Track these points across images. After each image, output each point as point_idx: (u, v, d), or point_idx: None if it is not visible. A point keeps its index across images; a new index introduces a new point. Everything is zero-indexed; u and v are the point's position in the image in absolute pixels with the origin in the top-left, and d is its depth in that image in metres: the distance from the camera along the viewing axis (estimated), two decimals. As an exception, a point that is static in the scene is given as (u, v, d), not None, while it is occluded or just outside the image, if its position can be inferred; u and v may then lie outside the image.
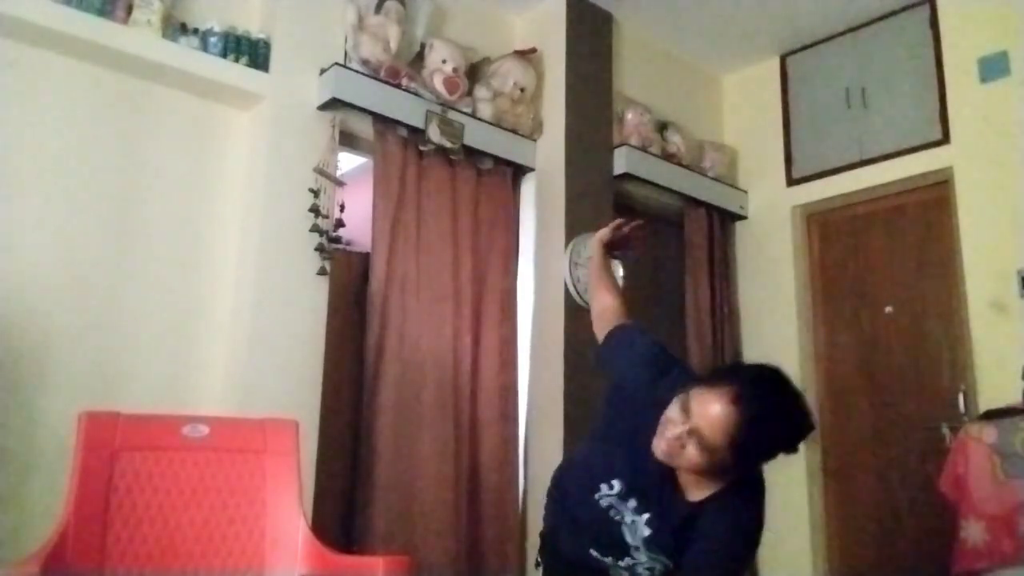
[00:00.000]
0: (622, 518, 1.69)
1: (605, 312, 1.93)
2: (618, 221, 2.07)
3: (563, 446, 3.30)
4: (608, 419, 1.78)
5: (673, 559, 1.64)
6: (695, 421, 1.47)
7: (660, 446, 1.54)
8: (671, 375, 1.65)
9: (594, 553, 1.77)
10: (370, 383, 3.03)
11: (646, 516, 1.65)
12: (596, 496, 1.71)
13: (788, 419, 1.51)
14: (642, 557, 1.70)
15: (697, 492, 1.59)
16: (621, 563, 1.74)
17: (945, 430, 3.40)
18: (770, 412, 1.47)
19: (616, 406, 1.76)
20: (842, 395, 3.93)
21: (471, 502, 3.22)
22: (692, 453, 1.49)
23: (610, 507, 1.70)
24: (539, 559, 1.96)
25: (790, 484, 3.86)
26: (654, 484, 1.63)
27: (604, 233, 2.05)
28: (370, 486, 2.95)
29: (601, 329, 1.89)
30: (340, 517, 2.99)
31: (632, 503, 1.67)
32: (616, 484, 1.68)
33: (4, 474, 2.43)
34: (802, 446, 1.58)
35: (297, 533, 2.27)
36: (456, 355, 3.26)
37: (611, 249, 2.07)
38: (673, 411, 1.52)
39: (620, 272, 3.68)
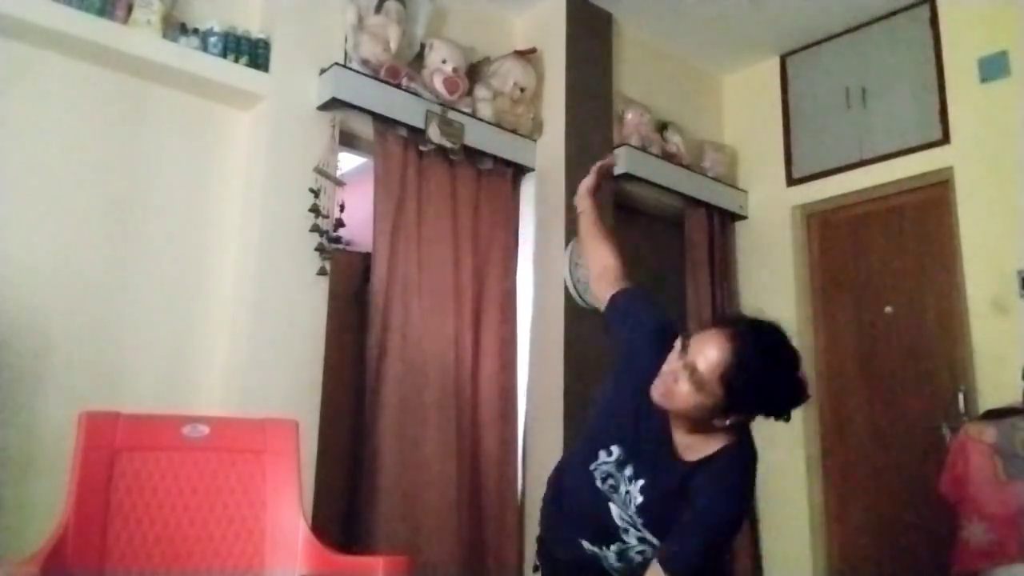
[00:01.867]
0: (617, 488, 1.70)
1: (607, 272, 1.90)
2: (598, 164, 2.09)
3: (563, 446, 3.30)
4: (614, 388, 1.78)
5: (663, 536, 1.65)
6: (691, 356, 1.52)
7: (656, 386, 1.58)
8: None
9: (586, 544, 1.78)
10: (371, 383, 3.03)
11: (640, 483, 1.66)
12: (593, 467, 1.72)
13: (782, 369, 1.55)
14: (632, 539, 1.71)
15: (691, 453, 1.62)
16: (612, 548, 1.74)
17: (945, 430, 3.40)
18: (765, 356, 1.52)
19: (622, 374, 1.76)
20: (842, 395, 3.93)
21: (471, 502, 3.21)
22: (684, 389, 1.52)
23: (606, 478, 1.71)
24: (537, 564, 1.96)
25: (790, 484, 3.86)
26: (651, 447, 1.65)
27: (590, 181, 2.06)
28: (370, 486, 2.95)
29: (603, 290, 1.87)
30: (340, 517, 2.99)
31: (629, 470, 1.68)
32: (615, 450, 1.69)
33: (4, 474, 2.43)
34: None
35: (297, 533, 2.27)
36: (457, 355, 3.26)
37: (594, 192, 2.07)
38: (673, 353, 1.57)
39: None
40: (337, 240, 3.08)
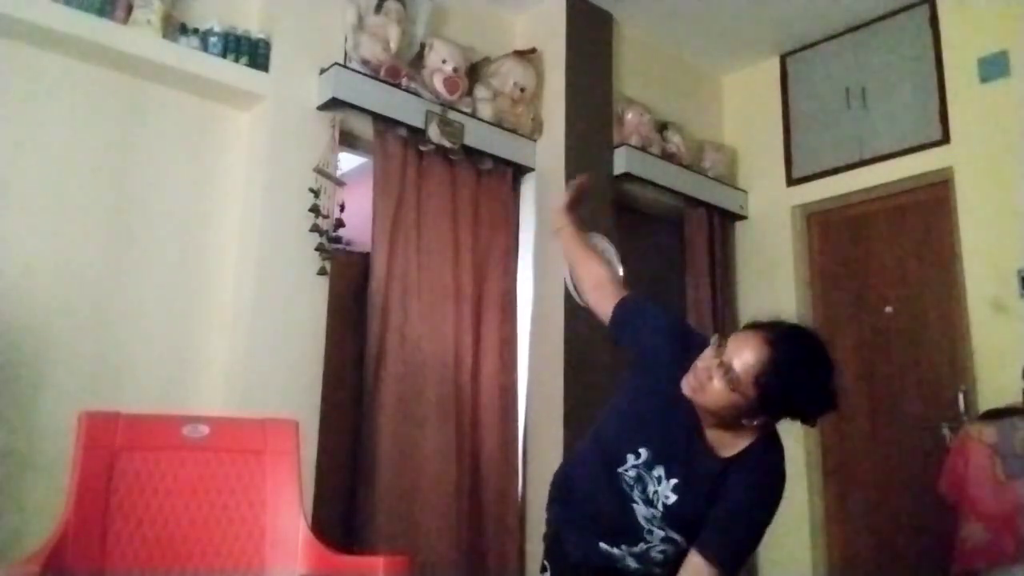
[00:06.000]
0: (644, 490, 1.69)
1: (603, 283, 1.90)
2: (574, 182, 2.07)
3: (563, 446, 3.30)
4: (634, 392, 1.78)
5: (690, 534, 1.65)
6: (727, 355, 1.53)
7: (688, 380, 1.59)
8: (696, 343, 1.67)
9: (603, 546, 1.77)
10: (371, 383, 3.03)
11: (673, 482, 1.67)
12: (621, 469, 1.71)
13: (815, 376, 1.56)
14: (655, 539, 1.71)
15: (724, 450, 1.63)
16: (634, 549, 1.74)
17: (945, 430, 3.40)
18: (800, 362, 1.54)
19: (641, 379, 1.76)
20: (842, 395, 3.91)
21: (471, 502, 3.22)
22: (718, 387, 1.53)
23: (634, 480, 1.70)
24: (545, 564, 1.94)
25: (790, 484, 3.85)
26: (682, 446, 1.66)
27: (566, 198, 2.04)
28: (370, 486, 2.95)
29: (602, 301, 1.87)
30: (340, 517, 2.99)
31: (658, 470, 1.68)
32: (643, 452, 1.69)
33: (4, 474, 2.43)
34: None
35: (297, 533, 2.27)
36: (456, 355, 3.26)
37: (572, 209, 2.04)
38: (708, 350, 1.58)
39: (620, 272, 3.69)
40: (337, 240, 3.08)
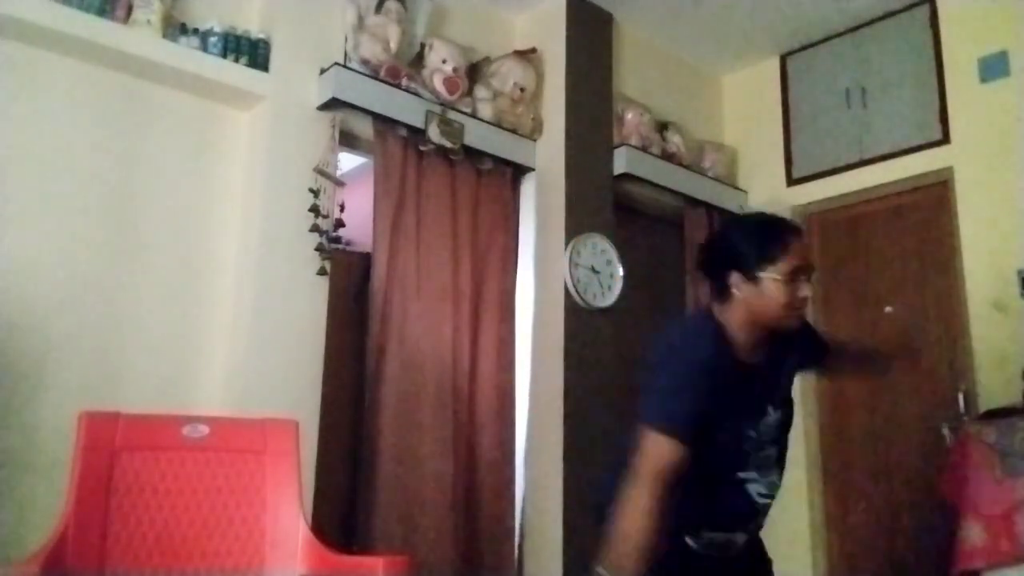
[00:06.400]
0: (760, 452, 1.80)
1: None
2: None
3: (563, 446, 3.30)
4: (709, 403, 1.71)
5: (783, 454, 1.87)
6: (799, 262, 1.70)
7: (799, 312, 1.75)
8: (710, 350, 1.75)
9: (738, 536, 1.82)
10: (370, 383, 3.03)
11: (777, 415, 1.82)
12: (743, 474, 1.78)
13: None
14: (764, 495, 1.81)
15: (781, 345, 1.82)
16: (756, 521, 1.84)
17: (945, 430, 3.40)
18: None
19: (707, 397, 1.71)
20: (842, 395, 3.93)
21: (468, 501, 3.21)
22: (807, 289, 1.73)
23: (756, 448, 1.80)
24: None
25: (790, 484, 3.84)
26: (768, 383, 1.82)
27: None
28: (370, 486, 2.95)
29: (665, 467, 1.64)
30: (340, 517, 2.99)
31: (763, 425, 1.80)
32: (748, 426, 1.77)
33: (4, 474, 2.43)
34: None
35: (297, 533, 2.27)
36: (455, 355, 3.26)
37: None
38: (801, 282, 1.71)
39: (620, 272, 3.69)
40: (337, 240, 3.08)
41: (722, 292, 1.77)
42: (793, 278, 1.70)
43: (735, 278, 1.73)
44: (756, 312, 1.73)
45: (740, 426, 1.76)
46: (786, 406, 1.87)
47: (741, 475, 1.77)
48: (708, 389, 1.68)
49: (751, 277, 1.71)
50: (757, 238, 1.74)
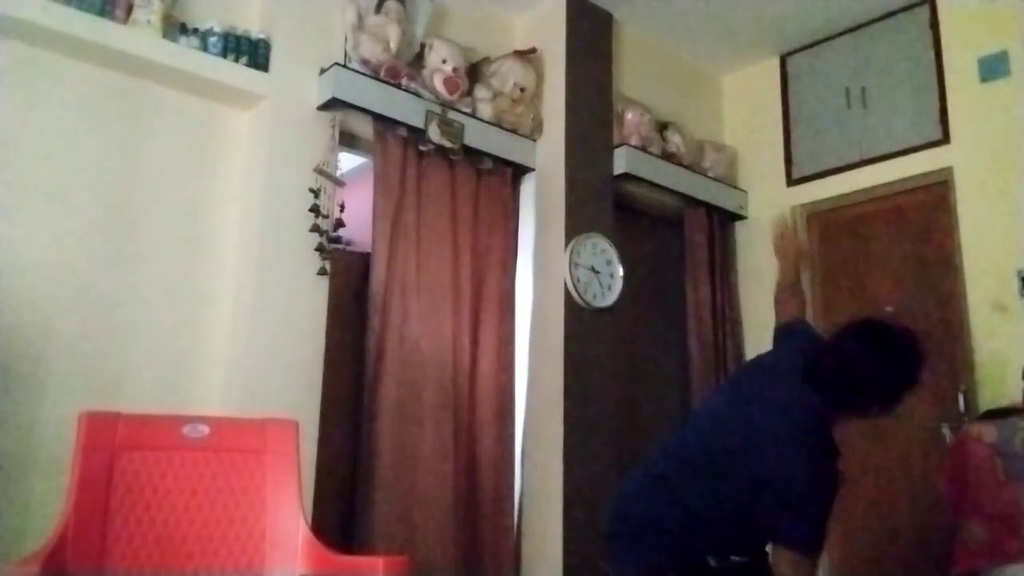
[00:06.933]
0: None
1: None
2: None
3: (563, 446, 3.30)
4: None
5: None
6: None
7: None
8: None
9: None
10: (370, 383, 3.03)
11: None
12: None
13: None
14: None
15: None
16: None
17: (945, 430, 3.40)
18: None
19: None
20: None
21: (468, 502, 3.21)
22: None
23: None
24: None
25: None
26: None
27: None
28: (370, 486, 2.95)
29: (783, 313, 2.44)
30: (340, 517, 2.99)
31: None
32: None
33: (4, 474, 2.42)
34: None
35: (297, 533, 2.28)
36: (455, 355, 3.26)
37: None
38: None
39: (620, 272, 3.69)
40: (337, 240, 3.08)
41: (853, 414, 2.05)
42: None
43: (876, 411, 2.01)
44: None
45: None
46: None
47: None
48: None
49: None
50: (907, 390, 1.95)
